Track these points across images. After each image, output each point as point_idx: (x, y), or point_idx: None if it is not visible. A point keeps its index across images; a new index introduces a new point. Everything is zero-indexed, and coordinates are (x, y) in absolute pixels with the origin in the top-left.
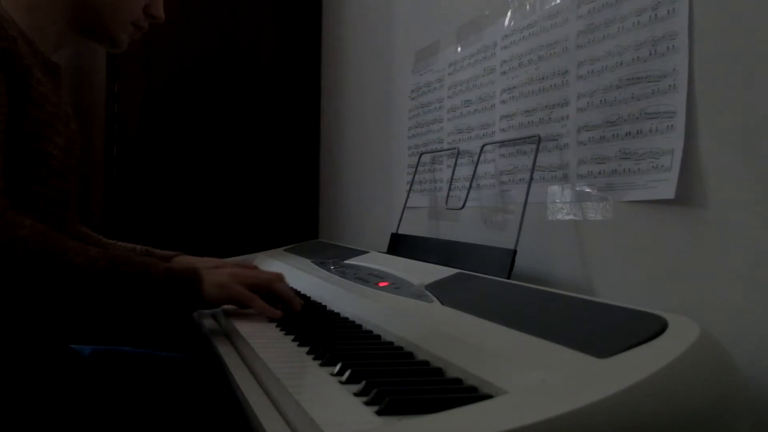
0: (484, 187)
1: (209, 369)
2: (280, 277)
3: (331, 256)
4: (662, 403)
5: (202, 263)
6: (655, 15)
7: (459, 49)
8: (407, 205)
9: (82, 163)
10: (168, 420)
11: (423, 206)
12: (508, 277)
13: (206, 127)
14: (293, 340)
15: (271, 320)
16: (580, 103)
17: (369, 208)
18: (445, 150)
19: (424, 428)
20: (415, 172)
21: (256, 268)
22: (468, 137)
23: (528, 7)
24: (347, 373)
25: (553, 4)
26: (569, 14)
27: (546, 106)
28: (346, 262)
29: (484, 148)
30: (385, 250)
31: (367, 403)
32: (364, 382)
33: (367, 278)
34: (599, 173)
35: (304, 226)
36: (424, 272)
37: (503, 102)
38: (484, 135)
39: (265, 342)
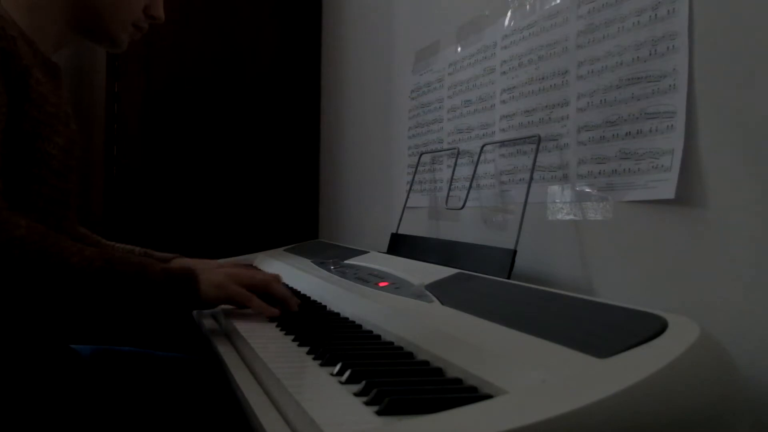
0: (484, 187)
1: (209, 369)
2: (276, 278)
3: (331, 256)
4: (662, 403)
5: (200, 264)
6: (655, 15)
7: (459, 49)
8: (407, 205)
9: (82, 163)
10: (168, 420)
11: (423, 206)
12: (508, 277)
13: (206, 127)
14: (293, 340)
15: (271, 320)
16: (580, 103)
17: (369, 208)
18: (445, 150)
19: (424, 428)
20: (415, 172)
21: (256, 268)
22: (468, 137)
23: (528, 7)
24: (347, 373)
25: (553, 4)
26: (569, 14)
27: (546, 106)
28: (346, 262)
29: (484, 148)
30: (385, 250)
31: (367, 403)
32: (364, 382)
33: (367, 278)
34: (599, 173)
35: (304, 226)
36: (424, 272)
37: (503, 102)
38: (484, 135)
39: (265, 342)
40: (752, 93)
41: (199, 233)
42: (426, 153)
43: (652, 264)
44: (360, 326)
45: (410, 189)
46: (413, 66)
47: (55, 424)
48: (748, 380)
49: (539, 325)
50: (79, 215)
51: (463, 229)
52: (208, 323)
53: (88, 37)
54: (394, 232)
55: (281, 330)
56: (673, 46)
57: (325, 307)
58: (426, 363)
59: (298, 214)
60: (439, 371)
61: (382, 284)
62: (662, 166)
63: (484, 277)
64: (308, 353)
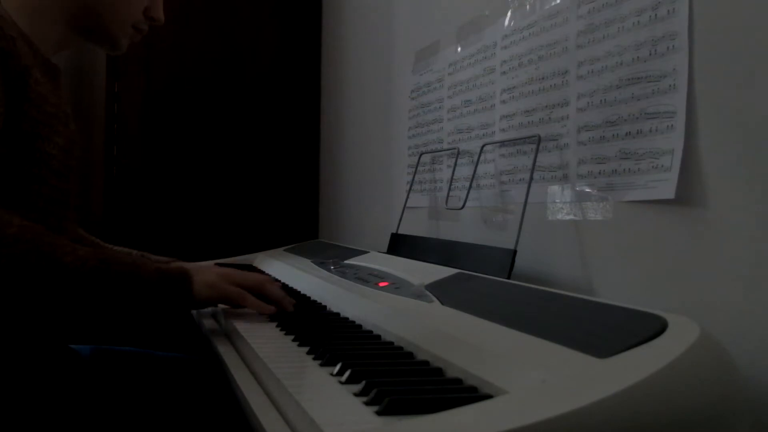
0: (484, 187)
1: (209, 369)
2: (270, 280)
3: (331, 256)
4: (662, 403)
5: (195, 266)
6: (655, 15)
7: (459, 49)
8: (407, 205)
9: (82, 163)
10: (168, 420)
11: (423, 206)
12: (508, 277)
13: (206, 127)
14: (293, 340)
15: (271, 320)
16: (580, 103)
17: (369, 208)
18: (445, 150)
19: (424, 428)
20: (415, 172)
21: (258, 270)
22: (468, 137)
23: (528, 7)
24: (347, 373)
25: (553, 4)
26: (569, 14)
27: (546, 106)
28: (346, 262)
29: (484, 148)
30: (385, 250)
31: (367, 403)
32: (364, 382)
33: (367, 278)
34: (599, 173)
35: (304, 226)
36: (424, 272)
37: (503, 102)
38: (484, 135)
39: (265, 342)
40: (752, 93)
41: (199, 233)
42: (426, 153)
43: (652, 264)
44: (360, 326)
45: (410, 189)
46: (413, 66)
47: (54, 424)
48: (748, 380)
49: (539, 325)
50: (79, 215)
51: (463, 229)
52: (208, 323)
53: (88, 38)
54: (394, 232)
55: (281, 330)
56: (673, 46)
57: (325, 307)
58: (426, 363)
59: (298, 214)
60: (439, 371)
61: (382, 284)
62: (662, 166)
63: (484, 277)
64: (308, 353)
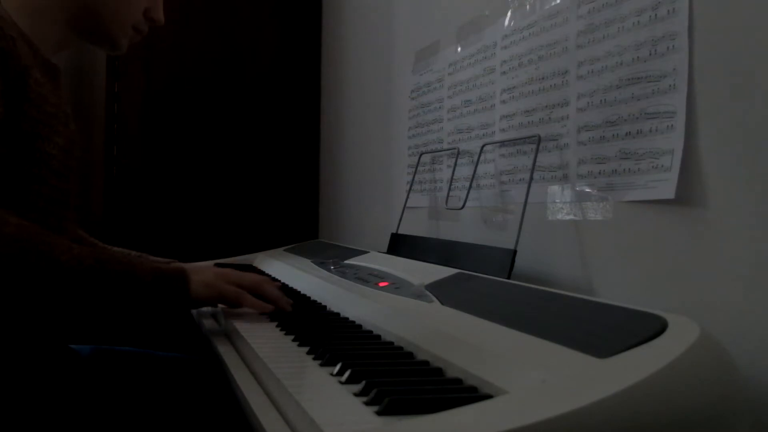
0: (484, 187)
1: (209, 369)
2: (267, 280)
3: (331, 256)
4: (662, 403)
5: (192, 266)
6: (655, 15)
7: (459, 49)
8: (407, 205)
9: (82, 163)
10: (168, 420)
11: (423, 206)
12: (508, 277)
13: (206, 127)
14: (293, 340)
15: (271, 320)
16: (580, 103)
17: (369, 208)
18: (445, 150)
19: (424, 428)
20: (415, 172)
21: (258, 270)
22: (468, 137)
23: (528, 7)
24: (347, 373)
25: (553, 4)
26: (569, 14)
27: (546, 106)
28: (346, 262)
29: (484, 148)
30: (385, 250)
31: (367, 403)
32: (364, 382)
33: (367, 278)
34: (599, 173)
35: (304, 226)
36: (424, 272)
37: (503, 102)
38: (484, 135)
39: (265, 342)
40: (752, 93)
41: (199, 233)
42: (426, 153)
43: (652, 264)
44: (360, 326)
45: (410, 189)
46: (413, 66)
47: (54, 424)
48: (748, 380)
49: (539, 325)
50: (79, 215)
51: (463, 229)
52: (208, 323)
53: (88, 39)
54: (394, 232)
55: (281, 330)
56: (673, 46)
57: (325, 307)
58: (426, 363)
59: (298, 214)
60: (439, 371)
61: (382, 284)
62: (662, 166)
63: (484, 277)
64: (308, 353)
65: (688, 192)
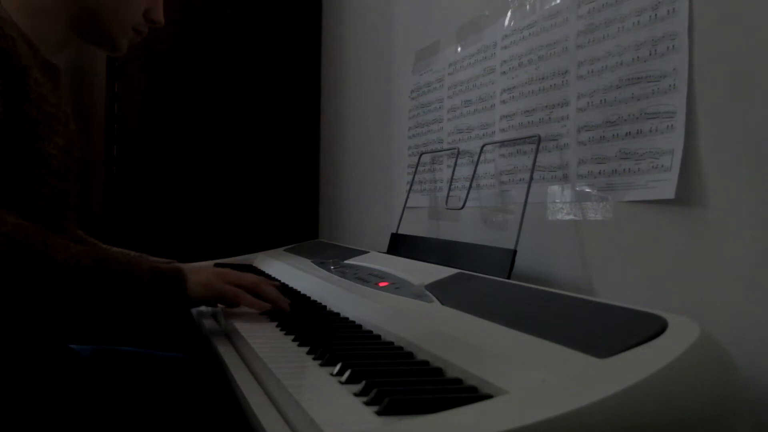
0: (484, 187)
1: (209, 369)
2: (265, 280)
3: (331, 256)
4: (662, 403)
5: (190, 266)
6: (655, 15)
7: (459, 49)
8: (407, 205)
9: (82, 163)
10: (168, 420)
11: (423, 206)
12: (508, 277)
13: (206, 127)
14: (293, 340)
15: (271, 320)
16: (580, 103)
17: (369, 208)
18: (445, 150)
19: (424, 428)
20: (415, 172)
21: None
22: (468, 137)
23: (528, 7)
24: (347, 373)
25: (553, 4)
26: (569, 14)
27: (546, 106)
28: (346, 262)
29: (484, 148)
30: (385, 250)
31: (367, 403)
32: (364, 382)
33: (367, 278)
34: (599, 173)
35: (304, 226)
36: (424, 272)
37: (503, 102)
38: (484, 135)
39: (265, 342)
40: (752, 93)
41: (199, 233)
42: (426, 153)
43: (652, 264)
44: (360, 326)
45: (410, 189)
46: (413, 66)
47: (54, 424)
48: (748, 380)
49: (539, 325)
50: (79, 215)
51: (463, 229)
52: (208, 323)
53: (88, 40)
54: (394, 232)
55: (281, 330)
56: (673, 46)
57: (325, 307)
58: (426, 363)
59: (298, 214)
60: (439, 371)
61: (382, 284)
62: (662, 166)
63: (484, 277)
64: (308, 353)
65: (688, 192)
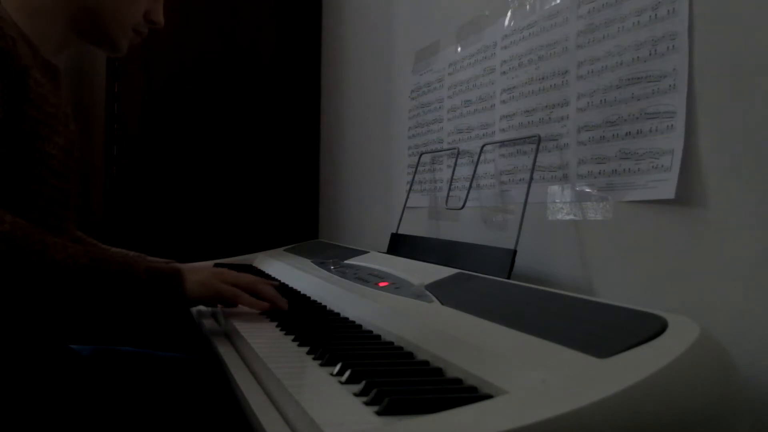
0: (484, 187)
1: (209, 369)
2: (262, 280)
3: (331, 256)
4: (662, 403)
5: (188, 266)
6: (655, 15)
7: (459, 49)
8: (407, 205)
9: (82, 163)
10: (168, 420)
11: (423, 206)
12: (508, 277)
13: (206, 127)
14: (293, 340)
15: (271, 320)
16: (580, 103)
17: (369, 208)
18: (445, 150)
19: (424, 428)
20: (415, 172)
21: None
22: (468, 137)
23: (528, 7)
24: (347, 373)
25: (553, 4)
26: (569, 14)
27: (546, 106)
28: (346, 262)
29: (484, 148)
30: (385, 250)
31: (367, 403)
32: (364, 382)
33: (367, 278)
34: (599, 173)
35: (304, 226)
36: (424, 272)
37: (503, 102)
38: (484, 135)
39: (265, 342)
40: (752, 93)
41: (199, 233)
42: (426, 153)
43: (652, 264)
44: (360, 326)
45: (410, 189)
46: (413, 66)
47: (54, 424)
48: (748, 380)
49: (539, 325)
50: (79, 215)
51: (463, 229)
52: (208, 323)
53: (88, 40)
54: (394, 232)
55: (281, 330)
56: (673, 46)
57: (325, 307)
58: (426, 363)
59: (298, 214)
60: (439, 371)
61: (382, 284)
62: (662, 166)
63: (484, 277)
64: (308, 353)
65: (688, 192)
